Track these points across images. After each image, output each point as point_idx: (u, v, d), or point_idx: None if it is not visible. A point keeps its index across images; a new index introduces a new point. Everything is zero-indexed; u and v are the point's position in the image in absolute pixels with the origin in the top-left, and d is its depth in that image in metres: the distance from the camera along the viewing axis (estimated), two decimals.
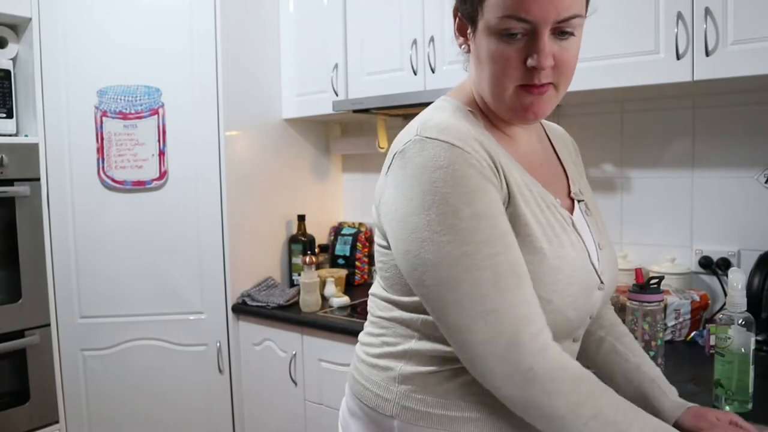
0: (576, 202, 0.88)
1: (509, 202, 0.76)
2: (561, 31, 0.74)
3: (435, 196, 0.70)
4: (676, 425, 0.86)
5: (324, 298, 2.15)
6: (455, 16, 0.82)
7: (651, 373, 0.93)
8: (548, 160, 0.91)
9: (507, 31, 0.73)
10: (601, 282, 0.84)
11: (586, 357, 0.99)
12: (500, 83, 0.76)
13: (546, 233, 0.77)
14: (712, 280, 1.74)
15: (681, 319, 1.56)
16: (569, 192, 0.89)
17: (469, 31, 0.80)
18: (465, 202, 0.70)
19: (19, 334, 2.04)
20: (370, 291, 0.92)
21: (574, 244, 0.80)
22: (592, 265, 0.82)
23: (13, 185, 2.02)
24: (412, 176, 0.73)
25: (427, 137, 0.73)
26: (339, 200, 2.70)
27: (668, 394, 0.91)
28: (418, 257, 0.72)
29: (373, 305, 0.91)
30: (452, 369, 0.79)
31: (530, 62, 0.73)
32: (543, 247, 0.75)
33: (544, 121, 0.99)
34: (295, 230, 2.42)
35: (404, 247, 0.74)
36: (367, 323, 0.93)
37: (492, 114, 0.83)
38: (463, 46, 0.83)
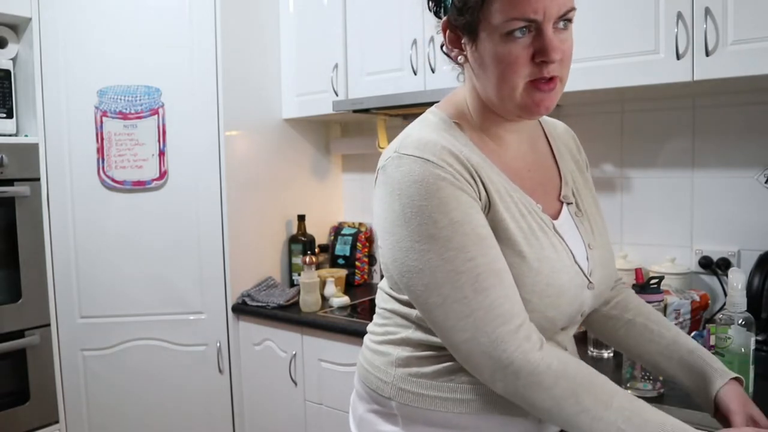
0: (565, 204, 0.91)
1: (489, 208, 0.80)
2: (560, 25, 0.78)
3: (413, 208, 0.76)
4: (718, 397, 0.87)
5: (324, 298, 2.15)
6: (444, 30, 0.85)
7: (689, 344, 0.94)
8: (538, 165, 0.93)
9: (513, 32, 0.76)
10: (590, 282, 0.87)
11: (617, 341, 1.02)
12: (510, 82, 0.79)
13: (526, 237, 0.81)
14: (712, 280, 1.74)
15: (681, 320, 1.56)
16: (560, 194, 0.92)
17: (463, 41, 0.83)
18: (441, 211, 0.76)
19: (19, 334, 2.04)
20: (379, 284, 0.97)
21: (555, 247, 0.83)
22: (578, 265, 0.86)
23: (13, 185, 2.02)
24: (392, 191, 0.79)
25: (403, 153, 0.80)
26: (339, 200, 2.70)
27: (711, 363, 0.91)
28: (404, 265, 0.79)
29: (380, 297, 0.97)
30: (443, 354, 0.84)
31: (540, 58, 0.76)
32: (523, 250, 0.80)
33: (543, 119, 1.00)
34: (295, 230, 2.42)
35: (392, 256, 0.81)
36: (375, 314, 0.98)
37: (487, 120, 0.86)
38: (459, 57, 0.85)
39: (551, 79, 0.79)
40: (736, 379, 0.89)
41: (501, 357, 0.74)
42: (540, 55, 0.76)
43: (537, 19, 0.75)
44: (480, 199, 0.79)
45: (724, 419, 0.86)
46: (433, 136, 0.81)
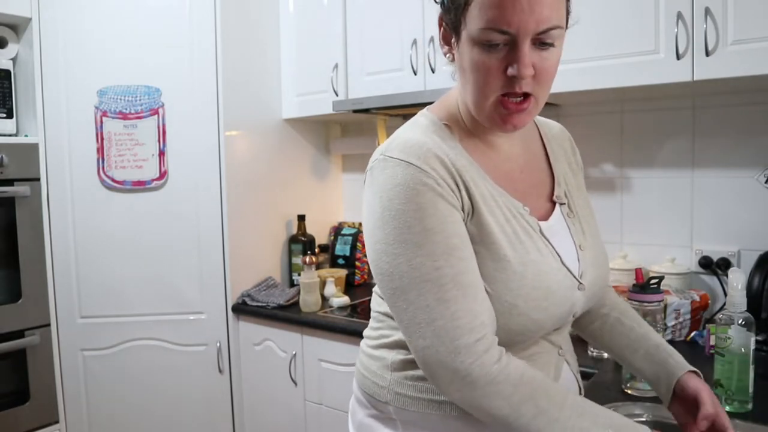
0: (558, 205, 0.91)
1: (473, 213, 0.80)
2: (541, 42, 0.75)
3: (391, 211, 0.77)
4: (677, 385, 0.90)
5: (324, 298, 2.15)
6: (440, 25, 0.84)
7: (656, 340, 0.97)
8: (531, 166, 0.93)
9: (488, 42, 0.75)
10: (580, 283, 0.87)
11: (591, 333, 1.03)
12: (482, 92, 0.78)
13: (510, 241, 0.81)
14: (712, 280, 1.74)
15: (681, 319, 1.56)
16: (553, 195, 0.92)
17: (453, 40, 0.82)
18: (416, 217, 0.76)
19: (19, 334, 2.04)
20: (374, 288, 0.97)
21: (541, 250, 0.83)
22: (566, 268, 0.85)
23: (13, 185, 2.02)
24: (374, 193, 0.80)
25: (389, 156, 0.80)
26: (339, 200, 2.70)
27: (673, 356, 0.94)
28: (378, 267, 0.79)
29: (374, 301, 0.97)
30: None
31: (510, 71, 0.75)
32: (507, 255, 0.80)
33: (539, 120, 1.00)
34: (295, 230, 2.42)
35: (370, 257, 0.82)
36: (370, 318, 0.98)
37: (475, 123, 0.85)
38: (447, 55, 0.85)
39: (525, 99, 0.78)
40: (694, 372, 0.92)
41: (459, 368, 0.74)
42: (511, 68, 0.75)
43: (511, 33, 0.73)
44: (462, 206, 0.79)
45: (682, 409, 0.89)
46: (420, 138, 0.81)
